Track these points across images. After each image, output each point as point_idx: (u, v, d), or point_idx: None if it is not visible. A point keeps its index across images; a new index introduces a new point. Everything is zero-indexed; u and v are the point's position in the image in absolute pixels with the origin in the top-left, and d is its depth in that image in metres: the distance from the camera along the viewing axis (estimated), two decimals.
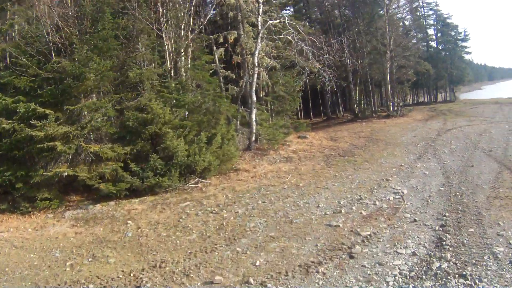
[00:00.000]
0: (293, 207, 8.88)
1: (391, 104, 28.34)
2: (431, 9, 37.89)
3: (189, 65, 14.82)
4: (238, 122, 16.88)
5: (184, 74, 14.43)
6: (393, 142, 16.09)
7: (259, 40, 16.40)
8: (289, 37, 16.40)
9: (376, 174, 11.40)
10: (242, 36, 18.49)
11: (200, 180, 11.68)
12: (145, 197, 10.49)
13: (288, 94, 20.75)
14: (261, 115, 17.59)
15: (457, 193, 8.92)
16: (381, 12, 27.84)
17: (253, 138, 16.21)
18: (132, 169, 10.62)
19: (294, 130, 20.08)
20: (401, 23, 32.48)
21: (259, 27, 16.49)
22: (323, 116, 32.90)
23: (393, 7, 28.06)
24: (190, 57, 15.41)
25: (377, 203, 8.71)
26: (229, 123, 15.85)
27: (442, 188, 9.47)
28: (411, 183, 10.13)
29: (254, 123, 16.16)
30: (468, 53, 39.82)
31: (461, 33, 38.93)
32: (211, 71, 16.36)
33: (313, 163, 13.66)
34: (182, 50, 14.73)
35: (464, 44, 39.08)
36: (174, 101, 12.79)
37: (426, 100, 44.32)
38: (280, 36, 17.12)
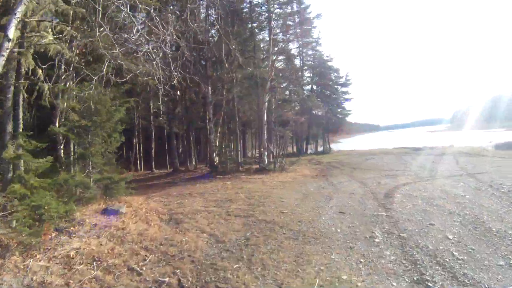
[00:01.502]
0: None
1: (266, 153, 20.61)
2: (311, 49, 32.69)
3: None
4: None
5: None
6: (314, 234, 7.16)
7: None
8: None
9: None
10: None
11: None
12: None
13: (98, 124, 10.63)
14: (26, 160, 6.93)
15: None
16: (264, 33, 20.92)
17: None
18: None
19: (104, 194, 10.18)
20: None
21: None
22: (170, 168, 23.47)
23: (277, 28, 21.25)
24: None
25: None
26: None
27: None
28: None
29: None
30: (348, 99, 35.74)
31: (342, 77, 34.90)
32: None
33: None
34: None
35: (344, 89, 34.96)
36: None
37: (293, 150, 39.09)
38: None
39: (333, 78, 33.99)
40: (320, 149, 37.56)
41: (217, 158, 20.62)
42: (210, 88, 19.89)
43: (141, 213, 9.49)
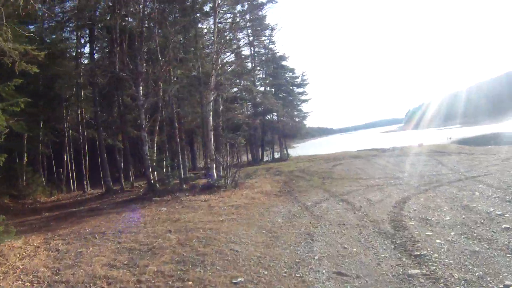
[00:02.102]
0: None
1: (214, 166, 16.69)
2: (264, 48, 29.06)
3: None
4: None
5: None
6: None
7: None
8: None
9: None
10: None
11: None
12: None
13: None
14: None
15: None
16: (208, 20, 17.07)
17: None
18: None
19: None
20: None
21: None
22: (104, 187, 19.02)
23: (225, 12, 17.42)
24: None
25: None
26: None
27: None
28: None
29: None
30: (305, 101, 32.76)
31: (297, 77, 31.75)
32: None
33: None
34: None
35: (300, 89, 31.84)
36: None
37: (248, 159, 35.55)
38: None
39: (288, 78, 30.84)
40: (277, 155, 34.35)
41: (155, 174, 16.44)
42: (141, 87, 15.73)
43: (8, 281, 5.49)
